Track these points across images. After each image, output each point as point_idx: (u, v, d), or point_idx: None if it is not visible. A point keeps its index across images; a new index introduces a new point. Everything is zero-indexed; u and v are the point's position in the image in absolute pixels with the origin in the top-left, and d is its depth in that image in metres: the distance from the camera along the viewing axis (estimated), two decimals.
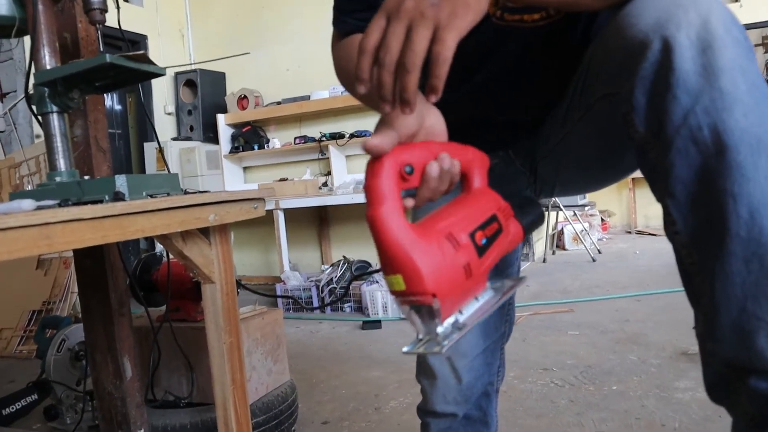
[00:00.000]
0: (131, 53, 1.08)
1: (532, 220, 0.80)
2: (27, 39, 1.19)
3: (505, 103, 1.05)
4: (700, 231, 0.65)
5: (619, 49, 0.72)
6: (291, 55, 5.79)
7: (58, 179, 1.16)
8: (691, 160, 0.63)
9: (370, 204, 0.64)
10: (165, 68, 1.19)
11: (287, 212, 4.98)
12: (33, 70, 1.17)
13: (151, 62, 1.14)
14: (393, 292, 0.65)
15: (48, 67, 1.16)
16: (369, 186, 0.65)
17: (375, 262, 4.58)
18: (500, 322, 1.18)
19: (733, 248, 0.61)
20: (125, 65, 1.08)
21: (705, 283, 0.65)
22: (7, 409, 2.13)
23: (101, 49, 1.44)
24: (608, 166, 1.00)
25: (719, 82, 0.61)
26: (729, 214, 0.60)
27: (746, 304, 0.61)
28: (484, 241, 0.70)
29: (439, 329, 0.64)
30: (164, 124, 6.03)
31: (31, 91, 1.18)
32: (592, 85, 0.85)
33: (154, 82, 5.82)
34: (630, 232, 7.23)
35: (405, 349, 0.65)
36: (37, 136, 4.49)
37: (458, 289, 0.65)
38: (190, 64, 5.95)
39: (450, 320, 0.65)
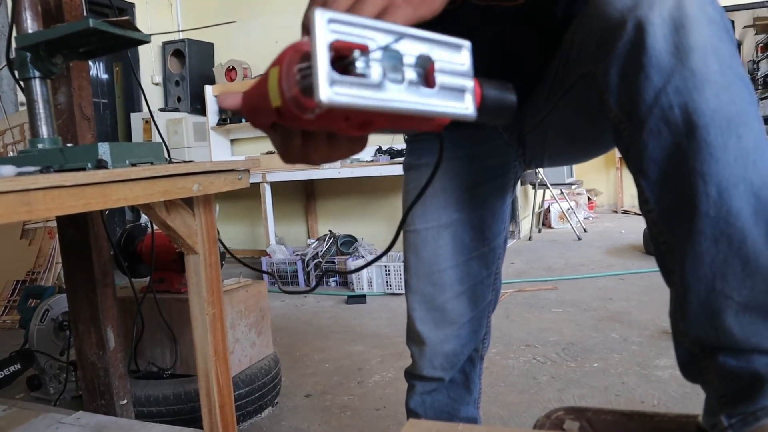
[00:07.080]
0: (115, 19, 1.07)
1: (497, 96, 0.63)
2: (10, 3, 1.16)
3: None
4: (671, 210, 0.65)
5: (596, 29, 0.71)
6: (280, 27, 5.69)
7: (40, 146, 1.14)
8: (662, 140, 0.63)
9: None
10: (150, 35, 1.17)
11: (274, 186, 4.96)
12: (15, 34, 1.15)
13: (135, 28, 1.12)
14: (279, 79, 0.50)
15: (30, 31, 1.14)
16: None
17: (361, 236, 4.59)
18: (487, 291, 1.19)
19: (702, 227, 0.62)
20: (109, 30, 1.06)
21: (676, 261, 0.66)
22: None
23: (85, 14, 1.42)
24: (592, 140, 1.00)
25: (690, 62, 0.61)
26: (698, 194, 0.61)
27: (715, 282, 0.62)
28: None
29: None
30: (151, 94, 5.96)
31: (12, 56, 1.16)
32: (572, 64, 0.85)
33: (142, 52, 5.75)
34: (616, 212, 7.28)
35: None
36: (22, 104, 4.43)
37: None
38: (177, 31, 5.87)
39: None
